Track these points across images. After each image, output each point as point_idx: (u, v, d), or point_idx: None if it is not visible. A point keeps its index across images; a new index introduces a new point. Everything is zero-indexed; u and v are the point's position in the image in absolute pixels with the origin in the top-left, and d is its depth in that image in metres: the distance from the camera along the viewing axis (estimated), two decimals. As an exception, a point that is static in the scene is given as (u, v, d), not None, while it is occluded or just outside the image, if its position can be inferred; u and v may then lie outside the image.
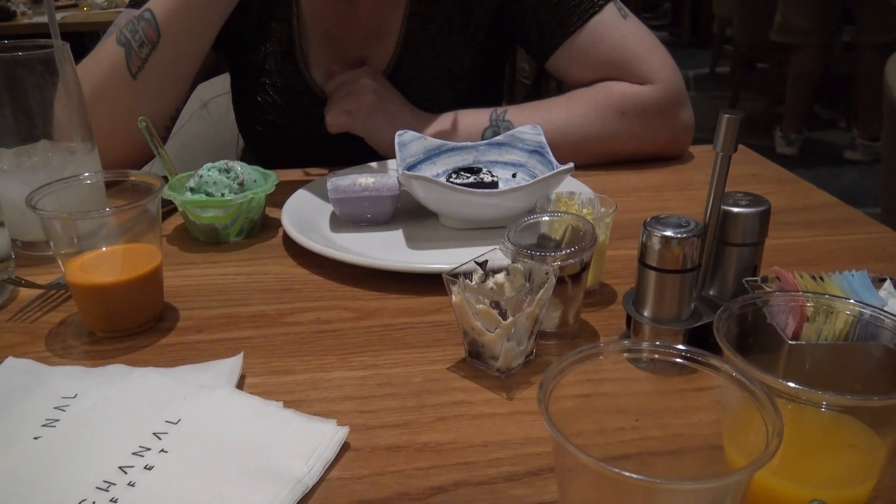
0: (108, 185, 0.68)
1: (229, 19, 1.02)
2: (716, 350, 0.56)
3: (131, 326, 0.61)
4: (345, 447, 0.48)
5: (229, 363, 0.55)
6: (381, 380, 0.55)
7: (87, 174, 0.65)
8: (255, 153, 1.17)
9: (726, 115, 0.51)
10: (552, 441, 0.36)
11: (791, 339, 0.46)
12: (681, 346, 0.38)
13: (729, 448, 0.41)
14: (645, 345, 0.39)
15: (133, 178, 0.65)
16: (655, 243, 0.53)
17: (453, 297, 0.54)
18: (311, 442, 0.47)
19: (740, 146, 1.04)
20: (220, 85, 1.43)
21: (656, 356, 0.38)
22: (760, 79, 5.15)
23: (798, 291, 0.47)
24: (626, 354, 0.38)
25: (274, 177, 0.82)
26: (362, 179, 0.81)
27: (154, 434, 0.47)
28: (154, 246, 0.63)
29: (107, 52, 0.90)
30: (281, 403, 0.51)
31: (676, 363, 0.39)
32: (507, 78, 1.18)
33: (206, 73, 1.13)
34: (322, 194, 0.84)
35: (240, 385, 0.54)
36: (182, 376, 0.53)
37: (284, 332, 0.62)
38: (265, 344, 0.60)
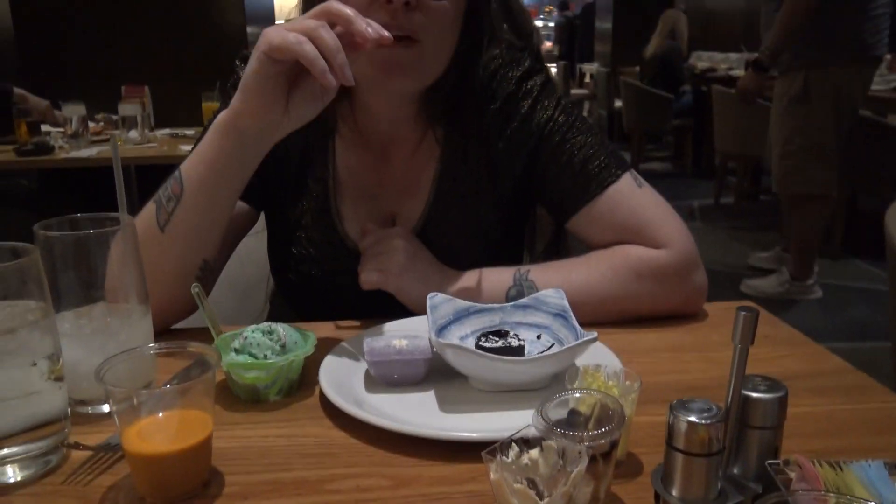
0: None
1: (269, 179, 1.11)
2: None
3: (182, 493, 0.64)
4: None
5: (277, 537, 0.58)
6: (421, 555, 0.57)
7: (151, 347, 0.71)
8: (288, 300, 1.23)
9: (743, 313, 0.56)
10: None
11: (816, 533, 0.48)
12: None
13: None
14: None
15: (192, 349, 0.70)
16: (682, 427, 0.57)
17: (491, 475, 0.58)
18: None
19: (748, 304, 1.09)
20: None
21: None
22: (762, 210, 5.30)
23: (821, 490, 0.50)
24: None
25: (313, 338, 0.87)
26: (396, 341, 0.86)
27: None
28: (207, 413, 0.67)
29: (144, 210, 0.97)
30: (328, 581, 0.53)
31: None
32: (528, 239, 1.26)
33: (249, 228, 1.21)
34: (357, 352, 0.89)
35: (286, 559, 0.57)
36: (233, 551, 0.56)
37: (326, 500, 0.64)
38: (308, 513, 0.63)
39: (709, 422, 0.56)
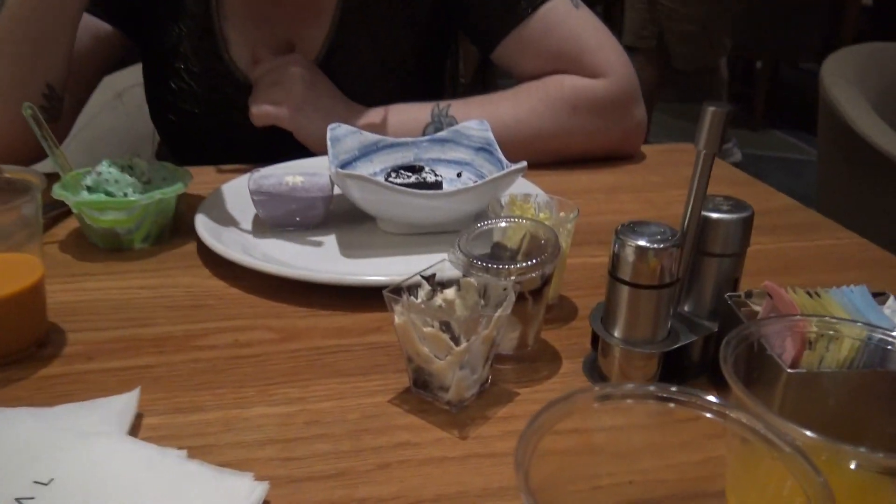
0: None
1: None
2: (695, 376, 0.50)
3: (3, 354, 0.50)
4: (264, 507, 0.39)
5: (122, 401, 0.45)
6: (309, 417, 0.46)
7: (-53, 169, 0.54)
8: (171, 148, 1.06)
9: (711, 108, 0.44)
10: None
11: (790, 368, 0.39)
12: (710, 397, 0.30)
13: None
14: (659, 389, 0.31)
15: (7, 175, 0.54)
16: (629, 254, 0.46)
17: (396, 318, 0.46)
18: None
19: (688, 146, 0.99)
20: (137, 74, 1.31)
21: (675, 402, 0.31)
22: (683, 80, 5.23)
23: (799, 315, 0.41)
24: (629, 401, 0.31)
25: (187, 174, 0.72)
26: (289, 178, 0.72)
27: (17, 500, 0.37)
28: (33, 256, 0.52)
29: None
30: (184, 452, 0.41)
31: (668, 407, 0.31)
32: (450, 74, 1.10)
33: (117, 59, 1.01)
34: (243, 195, 0.74)
35: (135, 428, 0.45)
36: (60, 420, 0.43)
37: (194, 358, 0.52)
38: (170, 374, 0.50)
39: (662, 246, 0.45)
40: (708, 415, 0.30)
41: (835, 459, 0.30)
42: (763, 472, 0.30)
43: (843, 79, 1.69)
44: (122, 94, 1.52)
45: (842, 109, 1.59)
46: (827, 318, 0.39)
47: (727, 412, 0.29)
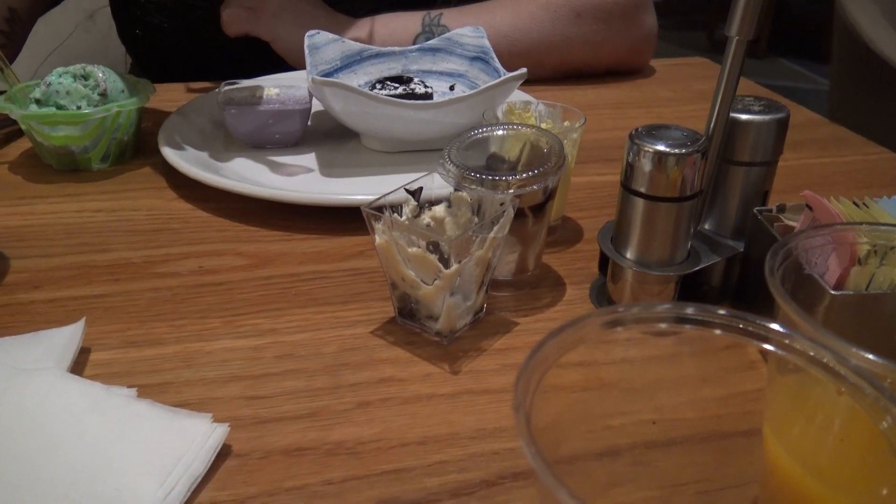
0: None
1: None
2: (715, 302, 0.44)
3: (-66, 284, 0.45)
4: (223, 453, 0.34)
5: (65, 333, 0.40)
6: (280, 350, 0.41)
7: None
8: (142, 67, 0.98)
9: (748, -16, 0.37)
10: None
11: (834, 289, 0.34)
12: (762, 321, 0.25)
13: (776, 445, 0.28)
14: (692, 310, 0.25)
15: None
16: (646, 162, 0.40)
17: (377, 238, 0.40)
18: (172, 449, 0.32)
19: (701, 60, 0.92)
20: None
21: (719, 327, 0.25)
22: (691, 7, 5.07)
23: (847, 223, 0.35)
24: (662, 325, 0.25)
25: (149, 86, 0.65)
26: (264, 91, 0.65)
27: (-68, 447, 0.32)
28: (-35, 173, 0.46)
29: None
30: (134, 391, 0.36)
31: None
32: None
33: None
34: (213, 111, 0.68)
35: (80, 363, 0.39)
36: (-8, 355, 0.38)
37: (153, 286, 0.46)
38: (124, 304, 0.45)
39: (684, 151, 0.39)
40: (762, 343, 0.24)
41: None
42: (823, 408, 0.25)
43: (862, -5, 1.58)
44: (94, 15, 1.43)
45: (860, 29, 1.49)
46: (882, 227, 0.33)
47: (784, 339, 0.24)
